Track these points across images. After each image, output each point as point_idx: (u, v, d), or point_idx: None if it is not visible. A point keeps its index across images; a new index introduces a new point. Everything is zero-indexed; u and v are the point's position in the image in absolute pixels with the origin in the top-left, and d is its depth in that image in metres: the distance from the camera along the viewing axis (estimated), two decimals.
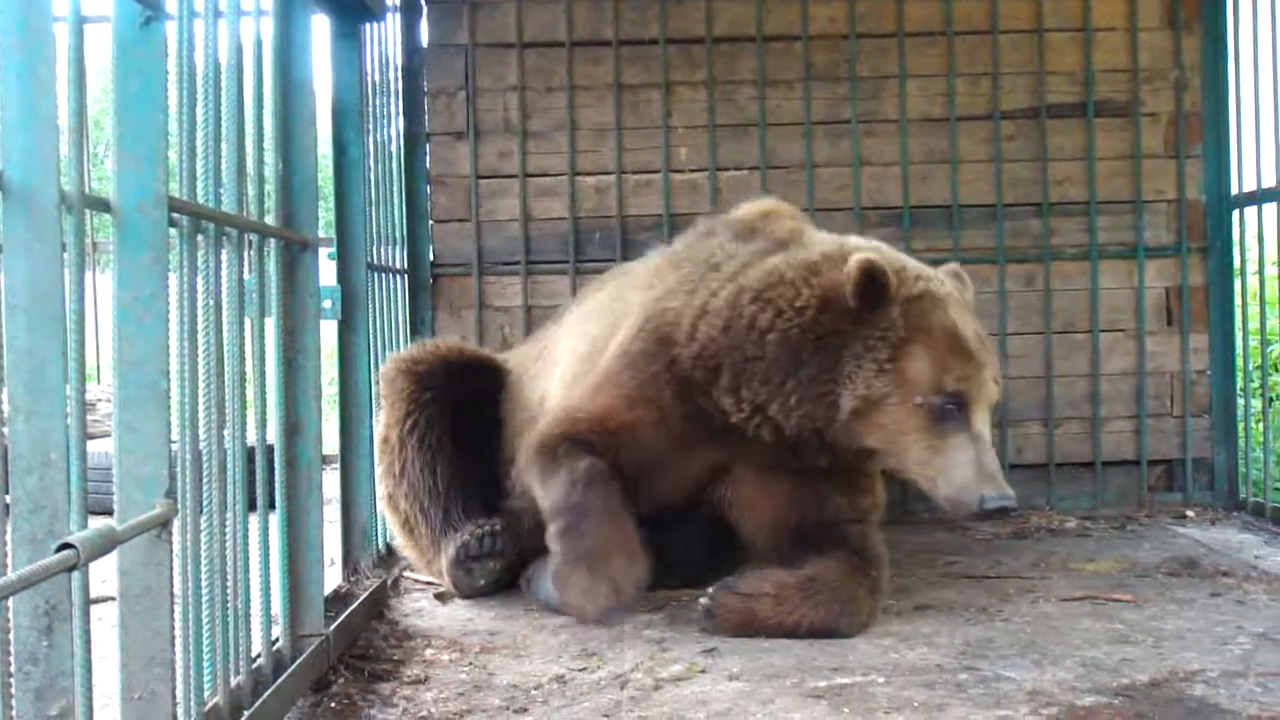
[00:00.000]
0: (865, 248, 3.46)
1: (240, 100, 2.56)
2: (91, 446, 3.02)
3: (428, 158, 5.42)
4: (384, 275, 4.61)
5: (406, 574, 4.25)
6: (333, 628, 3.07)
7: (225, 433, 2.43)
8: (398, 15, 5.19)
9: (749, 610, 3.35)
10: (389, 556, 4.38)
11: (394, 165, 4.92)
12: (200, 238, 2.31)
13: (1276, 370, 6.54)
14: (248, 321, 2.65)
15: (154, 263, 2.02)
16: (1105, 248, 5.35)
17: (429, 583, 4.13)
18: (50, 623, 1.76)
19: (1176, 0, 5.32)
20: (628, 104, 5.36)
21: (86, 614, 1.74)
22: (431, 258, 5.40)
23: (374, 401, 4.28)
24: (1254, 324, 5.15)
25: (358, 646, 3.27)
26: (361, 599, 3.47)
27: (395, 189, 4.92)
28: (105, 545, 1.67)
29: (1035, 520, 5.03)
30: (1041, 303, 5.34)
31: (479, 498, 4.09)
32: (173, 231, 2.16)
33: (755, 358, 3.38)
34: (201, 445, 2.30)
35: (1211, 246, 5.34)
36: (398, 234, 4.97)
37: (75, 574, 1.70)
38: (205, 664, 2.31)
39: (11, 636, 1.63)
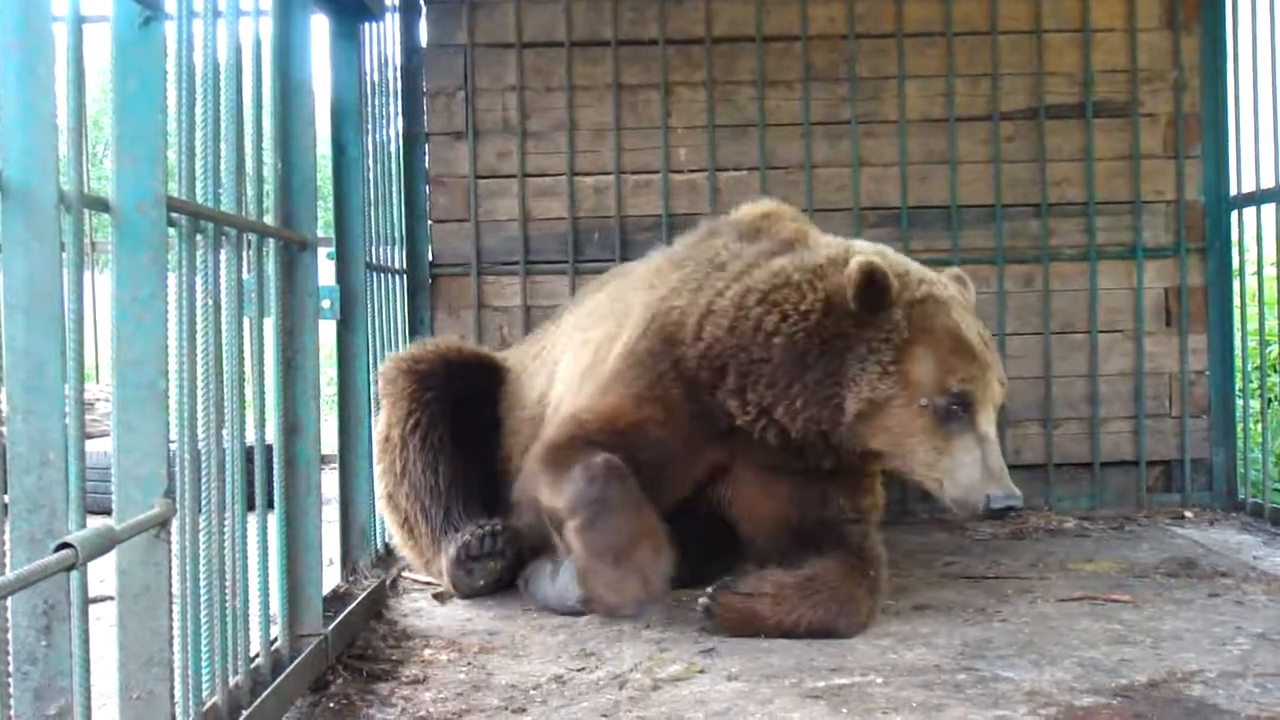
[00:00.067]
0: (869, 251, 3.46)
1: (239, 100, 2.57)
2: (90, 446, 3.02)
3: (427, 158, 5.42)
4: (383, 275, 4.61)
5: (405, 574, 4.25)
6: (331, 628, 3.07)
7: (224, 432, 2.43)
8: (396, 15, 5.19)
9: (748, 610, 3.35)
10: (387, 556, 4.38)
11: (393, 165, 4.92)
12: (199, 237, 2.31)
13: (1275, 371, 6.55)
14: (246, 321, 2.65)
15: (153, 262, 2.02)
16: (1104, 248, 5.35)
17: (427, 583, 4.13)
18: (49, 622, 1.76)
19: (1175, 1, 5.32)
20: (627, 104, 5.36)
21: (85, 614, 1.74)
22: (430, 258, 5.40)
23: (373, 401, 4.28)
24: (1253, 325, 5.15)
25: (356, 646, 3.27)
26: (360, 599, 3.47)
27: (394, 189, 4.92)
28: (104, 545, 1.67)
29: (1034, 521, 5.03)
30: (1040, 303, 5.35)
31: (479, 497, 4.09)
32: (171, 231, 2.16)
33: (761, 359, 3.38)
34: (200, 445, 2.30)
35: (1210, 247, 5.34)
36: (396, 234, 4.97)
37: (73, 574, 1.69)
38: (204, 664, 2.31)
39: (10, 636, 1.63)
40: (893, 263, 3.41)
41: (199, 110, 2.31)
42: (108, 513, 1.96)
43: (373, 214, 4.44)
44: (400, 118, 5.22)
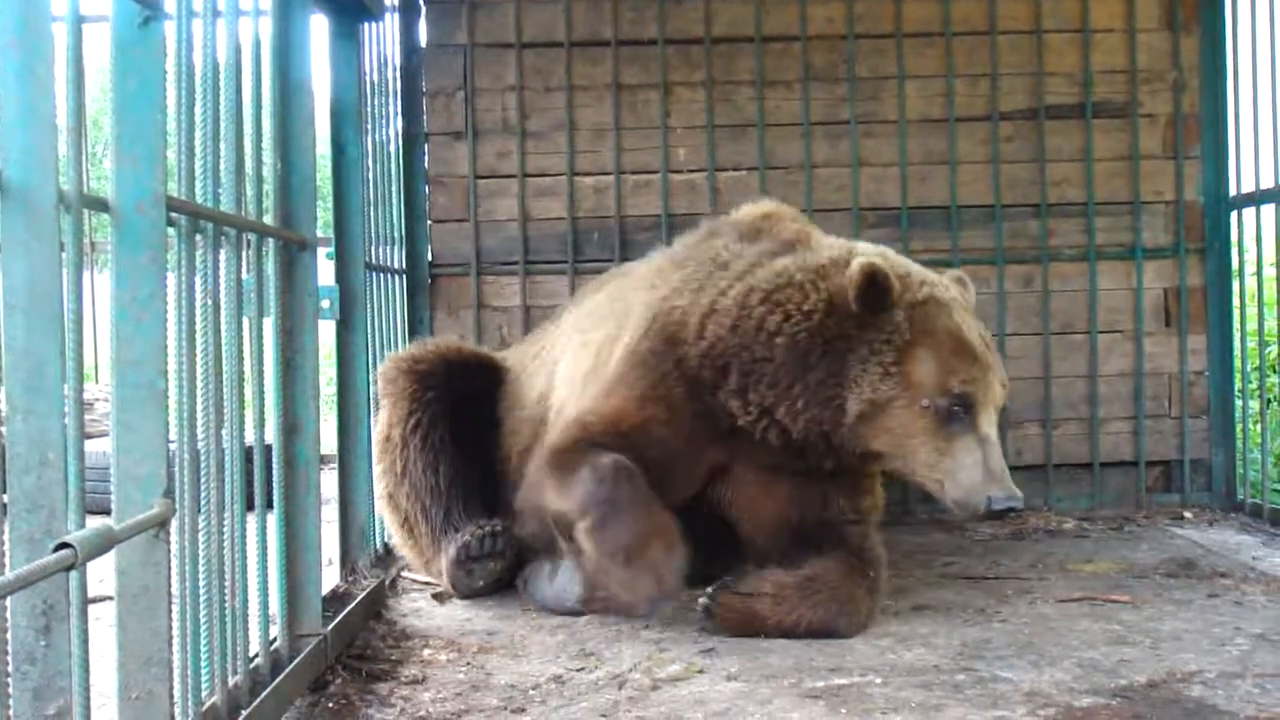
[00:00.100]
0: (871, 252, 3.46)
1: (239, 100, 2.57)
2: (89, 446, 3.01)
3: (426, 158, 5.42)
4: (382, 275, 4.61)
5: (404, 574, 4.25)
6: (330, 628, 3.07)
7: (223, 432, 2.43)
8: (396, 15, 5.19)
9: (748, 610, 3.35)
10: (387, 556, 4.38)
11: (392, 165, 4.92)
12: (199, 237, 2.31)
13: (1274, 372, 6.55)
14: (246, 321, 2.65)
15: (152, 262, 2.02)
16: (1103, 249, 5.35)
17: (427, 583, 4.13)
18: (48, 622, 1.76)
19: (1175, 1, 5.32)
20: (626, 104, 5.36)
21: (84, 614, 1.74)
22: (430, 258, 5.40)
23: (372, 401, 4.28)
24: (1252, 325, 5.15)
25: (355, 646, 3.27)
26: (359, 599, 3.47)
27: (394, 189, 4.92)
28: (103, 545, 1.66)
29: (1033, 521, 5.03)
30: (1040, 304, 5.35)
31: (479, 497, 4.09)
32: (171, 231, 2.16)
33: (763, 359, 3.38)
34: (199, 445, 2.30)
35: (1210, 247, 5.34)
36: (396, 234, 4.97)
37: (73, 573, 1.70)
38: (203, 664, 2.31)
39: (9, 636, 1.63)
40: (894, 264, 3.41)
41: (198, 110, 2.31)
42: (107, 513, 1.96)
43: (372, 214, 4.44)
44: (400, 118, 5.22)
